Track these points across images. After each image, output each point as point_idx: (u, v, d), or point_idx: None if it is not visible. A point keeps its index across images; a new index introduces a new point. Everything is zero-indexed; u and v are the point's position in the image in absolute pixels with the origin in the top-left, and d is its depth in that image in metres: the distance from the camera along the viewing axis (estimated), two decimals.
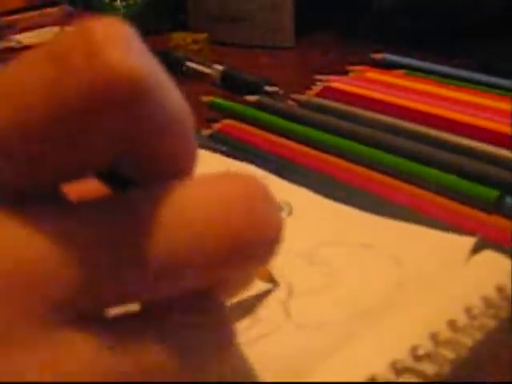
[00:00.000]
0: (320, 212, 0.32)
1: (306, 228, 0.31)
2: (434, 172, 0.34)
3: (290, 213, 0.32)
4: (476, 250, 0.27)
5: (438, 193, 0.33)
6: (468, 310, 0.23)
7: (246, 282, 0.18)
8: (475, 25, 0.56)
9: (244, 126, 0.43)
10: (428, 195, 0.33)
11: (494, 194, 0.31)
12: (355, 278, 0.27)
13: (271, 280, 0.27)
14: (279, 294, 0.26)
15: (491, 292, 0.24)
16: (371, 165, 0.36)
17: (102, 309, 0.13)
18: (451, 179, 0.33)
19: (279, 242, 0.15)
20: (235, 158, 0.37)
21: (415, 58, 0.52)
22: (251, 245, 0.14)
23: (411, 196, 0.33)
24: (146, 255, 0.13)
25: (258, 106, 0.45)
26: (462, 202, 0.32)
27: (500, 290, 0.24)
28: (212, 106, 0.46)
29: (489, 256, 0.26)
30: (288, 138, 0.40)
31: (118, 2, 0.70)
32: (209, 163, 0.37)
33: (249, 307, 0.26)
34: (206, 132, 0.43)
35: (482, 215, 0.30)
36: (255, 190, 0.14)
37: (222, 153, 0.38)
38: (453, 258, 0.26)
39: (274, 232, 0.14)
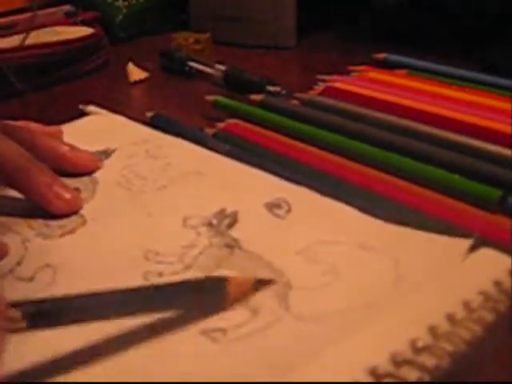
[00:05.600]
0: (318, 210, 0.32)
1: (304, 226, 0.31)
2: (437, 171, 0.34)
3: (288, 211, 0.32)
4: (474, 248, 0.27)
5: (440, 192, 0.33)
6: (466, 304, 0.23)
7: None
8: (476, 25, 0.56)
9: (248, 125, 0.43)
10: (431, 194, 0.33)
11: (497, 193, 0.31)
12: (354, 275, 0.27)
13: (260, 284, 0.27)
14: (277, 289, 0.27)
15: (489, 286, 0.24)
16: (375, 164, 0.36)
17: None
18: (454, 178, 0.33)
19: None
20: (239, 157, 0.38)
21: (416, 58, 0.52)
22: None
23: (414, 195, 0.33)
24: None
25: (263, 105, 0.46)
26: (465, 202, 0.32)
27: (498, 284, 0.24)
28: (216, 105, 0.46)
29: (487, 253, 0.26)
30: (293, 137, 0.41)
31: (120, 1, 0.70)
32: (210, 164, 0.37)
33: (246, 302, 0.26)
34: (210, 131, 0.43)
35: (485, 214, 0.31)
36: None
37: (226, 152, 0.38)
38: (450, 259, 0.27)
39: None
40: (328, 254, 0.28)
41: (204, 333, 0.24)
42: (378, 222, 0.30)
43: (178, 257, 0.29)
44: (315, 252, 0.29)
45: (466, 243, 0.27)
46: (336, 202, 0.32)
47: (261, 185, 0.34)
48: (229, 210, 0.32)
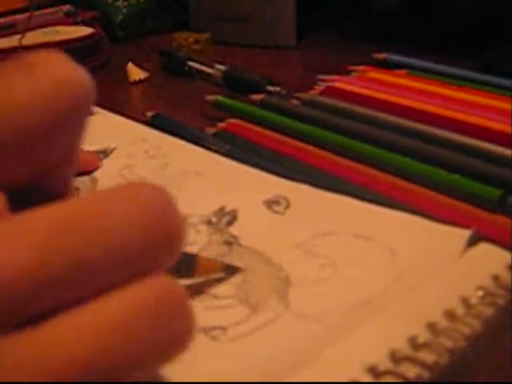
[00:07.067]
0: (317, 204, 0.32)
1: (304, 221, 0.31)
2: (437, 171, 0.34)
3: (287, 207, 0.32)
4: (472, 243, 0.27)
5: (441, 192, 0.33)
6: (465, 299, 0.23)
7: None
8: (476, 25, 0.56)
9: (249, 125, 0.43)
10: (431, 194, 0.33)
11: (496, 193, 0.32)
12: (353, 270, 0.27)
13: (227, 268, 0.28)
14: (277, 285, 0.27)
15: (488, 281, 0.24)
16: (375, 164, 0.36)
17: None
18: (454, 178, 0.33)
19: (183, 237, 0.17)
20: (239, 157, 0.38)
21: (416, 58, 0.52)
22: (165, 241, 0.16)
23: (414, 195, 0.33)
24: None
25: (263, 105, 0.45)
26: (465, 201, 0.32)
27: (496, 278, 0.24)
28: (216, 105, 0.46)
29: (485, 247, 0.26)
30: (293, 137, 0.41)
31: (120, 1, 0.70)
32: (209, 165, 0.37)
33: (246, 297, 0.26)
34: (210, 131, 0.43)
35: (485, 214, 0.31)
36: (163, 196, 0.17)
37: (226, 152, 0.38)
38: (449, 249, 0.27)
39: (179, 230, 0.17)
40: (327, 247, 0.28)
41: (204, 331, 0.24)
42: (377, 211, 0.30)
43: None
44: (313, 245, 0.29)
45: (464, 233, 0.27)
46: (335, 195, 0.32)
47: (260, 183, 0.35)
48: (228, 208, 0.32)
